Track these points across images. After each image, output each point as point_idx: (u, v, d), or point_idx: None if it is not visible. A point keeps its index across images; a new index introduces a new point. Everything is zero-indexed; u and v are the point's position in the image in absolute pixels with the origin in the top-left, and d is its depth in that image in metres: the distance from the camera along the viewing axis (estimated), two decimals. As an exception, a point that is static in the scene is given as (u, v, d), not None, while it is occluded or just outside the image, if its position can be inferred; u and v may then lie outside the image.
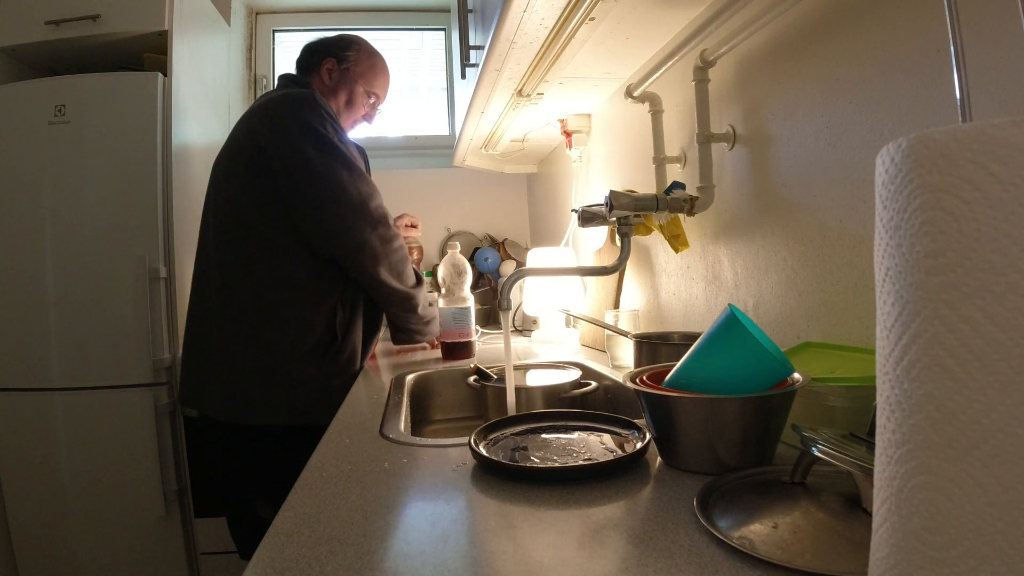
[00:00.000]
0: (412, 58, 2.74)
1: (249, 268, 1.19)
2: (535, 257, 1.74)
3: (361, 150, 1.33)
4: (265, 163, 1.17)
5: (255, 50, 2.55)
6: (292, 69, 1.42)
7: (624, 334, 1.11)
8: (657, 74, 1.10)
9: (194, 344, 1.26)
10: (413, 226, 1.61)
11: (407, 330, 1.36)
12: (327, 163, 1.16)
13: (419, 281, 1.32)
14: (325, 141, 1.16)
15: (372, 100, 1.43)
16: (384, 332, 1.43)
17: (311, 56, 1.38)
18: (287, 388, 1.16)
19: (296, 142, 1.15)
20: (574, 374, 1.10)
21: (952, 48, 0.53)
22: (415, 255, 2.36)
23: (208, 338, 1.21)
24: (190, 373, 1.26)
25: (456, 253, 1.48)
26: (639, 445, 0.62)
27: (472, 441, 0.65)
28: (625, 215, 1.02)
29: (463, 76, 1.47)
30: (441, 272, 1.47)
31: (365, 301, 1.29)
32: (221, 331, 1.19)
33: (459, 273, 1.45)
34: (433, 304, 1.41)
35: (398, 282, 1.25)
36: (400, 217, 1.58)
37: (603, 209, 1.03)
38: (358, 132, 1.51)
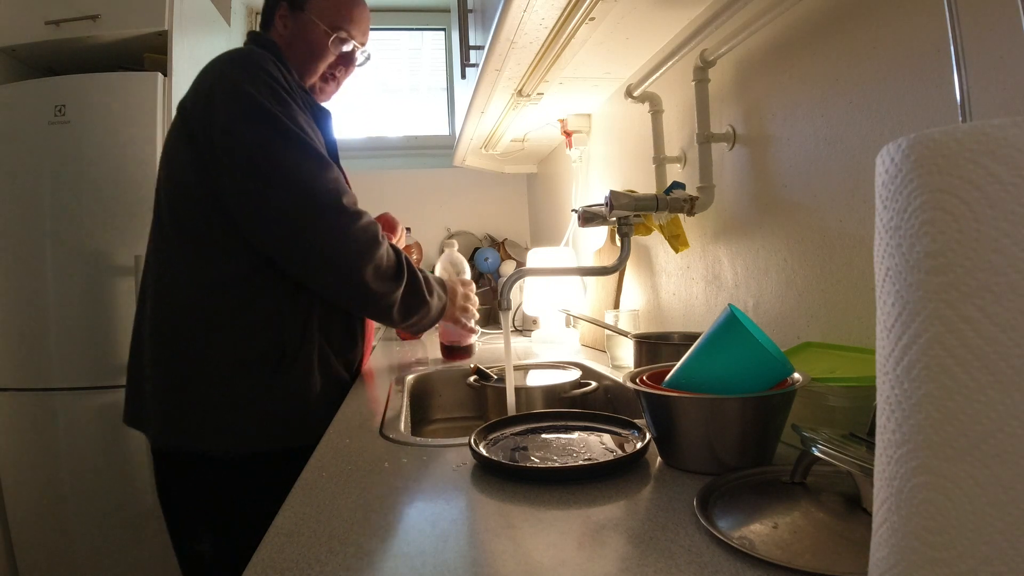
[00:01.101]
0: (412, 58, 2.74)
1: (180, 267, 0.98)
2: (535, 257, 1.74)
3: (324, 113, 1.07)
4: (188, 137, 0.96)
5: (255, 50, 2.55)
6: None
7: (624, 334, 1.11)
8: (657, 74, 1.10)
9: (132, 357, 1.05)
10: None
11: (417, 325, 1.10)
12: (253, 131, 0.90)
13: (400, 263, 1.01)
14: (252, 104, 0.91)
15: (342, 42, 1.12)
16: (384, 332, 1.38)
17: (266, 7, 1.14)
18: (229, 409, 0.94)
19: (217, 109, 0.92)
20: (574, 374, 1.10)
21: (952, 48, 0.53)
22: (414, 255, 2.37)
23: (142, 352, 1.01)
24: (130, 390, 1.05)
25: (454, 252, 1.41)
26: (639, 445, 0.62)
27: (472, 441, 0.65)
28: (625, 215, 1.02)
29: (463, 76, 1.47)
30: (439, 271, 1.37)
31: (326, 304, 1.02)
32: (153, 343, 0.98)
33: (458, 272, 1.38)
34: (416, 273, 1.07)
35: (378, 282, 0.96)
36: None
37: (603, 209, 1.03)
38: (343, 95, 1.28)
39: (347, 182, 1.03)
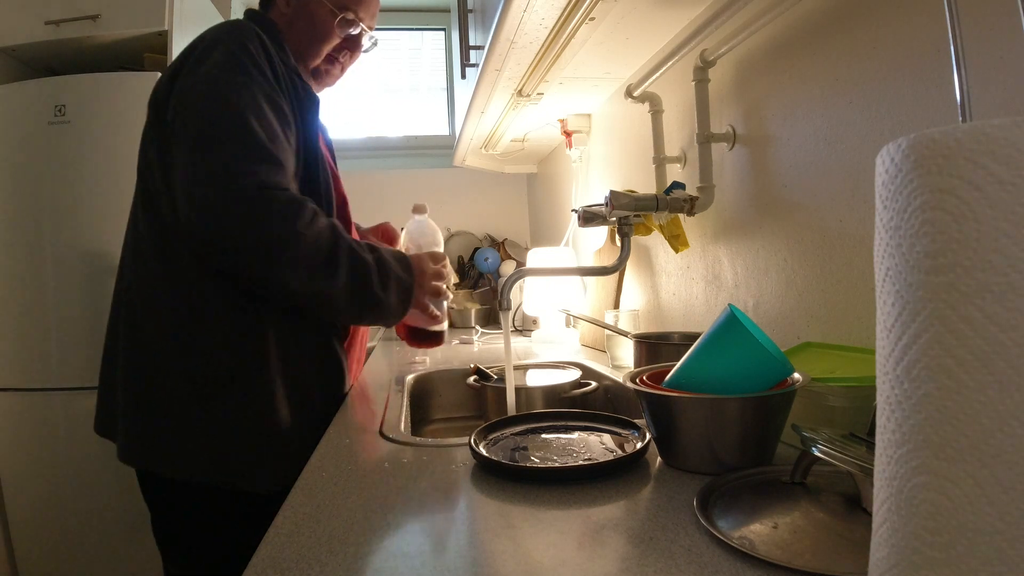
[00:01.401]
0: (412, 58, 2.74)
1: (144, 267, 0.90)
2: (535, 257, 1.74)
3: (311, 101, 0.96)
4: (157, 119, 0.87)
5: (255, 50, 2.55)
6: None
7: (624, 334, 1.11)
8: (657, 74, 1.10)
9: (105, 363, 0.95)
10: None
11: (378, 323, 0.94)
12: (201, 103, 0.81)
13: (334, 252, 0.84)
14: (210, 77, 0.82)
15: (348, 24, 1.03)
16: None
17: None
18: (184, 432, 0.85)
19: (178, 82, 0.84)
20: (574, 374, 1.10)
21: (952, 48, 0.53)
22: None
23: (116, 358, 0.92)
24: (102, 397, 0.96)
25: (425, 221, 1.11)
26: (639, 445, 0.62)
27: (472, 441, 0.65)
28: (625, 215, 1.02)
29: (463, 76, 1.47)
30: (404, 241, 1.12)
31: (292, 320, 0.89)
32: (126, 350, 0.89)
33: (424, 234, 1.09)
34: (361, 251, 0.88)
35: (301, 276, 0.81)
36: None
37: (603, 209, 1.03)
38: (345, 86, 1.20)
39: (335, 179, 0.99)
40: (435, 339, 1.07)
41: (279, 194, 0.80)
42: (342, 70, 1.09)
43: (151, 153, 0.89)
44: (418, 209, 1.12)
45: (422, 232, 1.10)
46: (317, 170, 0.93)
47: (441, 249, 1.08)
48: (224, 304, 0.86)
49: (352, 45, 1.06)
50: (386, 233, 1.23)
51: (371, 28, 1.08)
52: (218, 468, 0.84)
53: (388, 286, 0.89)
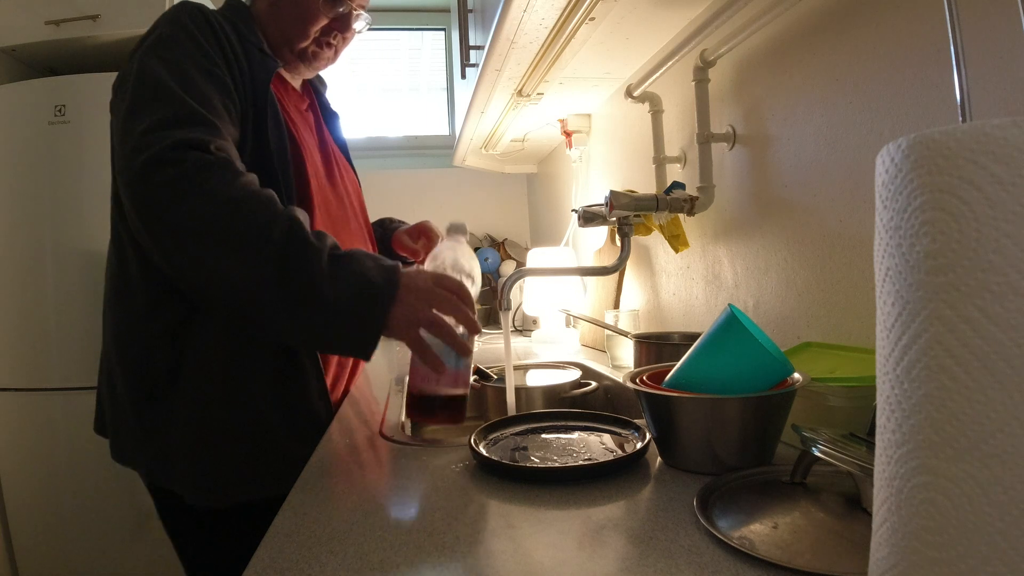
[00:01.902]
0: (412, 58, 2.74)
1: (113, 261, 0.86)
2: (535, 257, 1.74)
3: (269, 68, 0.87)
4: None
5: (255, 50, 2.54)
6: None
7: (624, 334, 1.11)
8: (657, 74, 1.10)
9: (103, 361, 0.91)
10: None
11: (313, 341, 0.74)
12: (135, 68, 0.76)
13: (272, 203, 0.69)
14: (147, 48, 0.78)
15: (335, 2, 0.95)
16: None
17: None
18: (138, 431, 0.81)
19: (122, 71, 0.80)
20: (574, 374, 1.10)
21: (952, 48, 0.53)
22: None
23: (110, 355, 0.88)
24: (101, 394, 0.92)
25: (458, 248, 0.80)
26: (639, 445, 0.62)
27: (472, 441, 0.65)
28: (625, 215, 1.02)
29: (463, 76, 1.47)
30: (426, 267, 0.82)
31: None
32: (104, 346, 0.89)
33: (450, 264, 0.77)
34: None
35: (198, 247, 0.66)
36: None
37: (603, 209, 1.03)
38: (341, 68, 1.13)
39: (335, 171, 0.97)
40: (449, 410, 0.71)
41: (196, 154, 0.68)
42: (335, 53, 1.01)
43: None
44: (455, 230, 0.82)
45: (454, 261, 0.78)
46: (268, 144, 0.82)
47: (470, 283, 0.76)
48: (160, 288, 0.79)
49: (342, 25, 0.98)
50: (424, 234, 1.05)
51: (363, 7, 1.00)
52: (172, 477, 0.80)
53: (339, 281, 0.65)
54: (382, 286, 0.66)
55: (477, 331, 0.71)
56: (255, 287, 0.64)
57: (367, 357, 0.68)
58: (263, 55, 0.89)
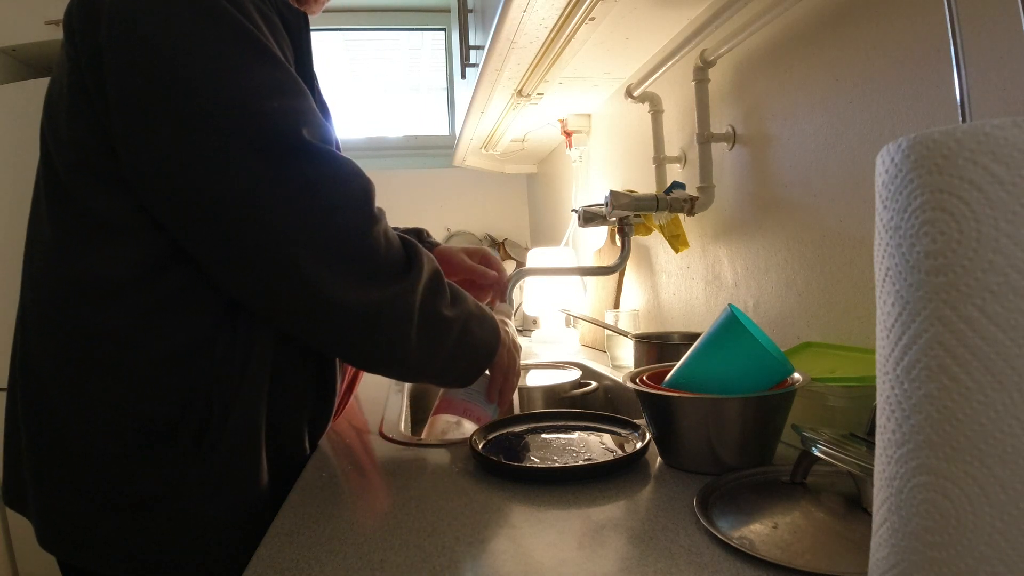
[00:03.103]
0: (412, 58, 2.74)
1: (52, 264, 0.60)
2: (535, 257, 1.74)
3: (298, 19, 0.62)
4: (76, 55, 0.55)
5: (255, 50, 2.54)
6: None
7: (624, 334, 1.11)
8: (657, 74, 1.10)
9: (8, 407, 0.65)
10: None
11: (450, 372, 0.67)
12: (156, 11, 0.51)
13: (410, 259, 0.60)
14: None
15: None
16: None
17: None
18: (116, 511, 0.56)
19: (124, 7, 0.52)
20: (574, 374, 1.10)
21: (952, 48, 0.53)
22: None
23: (16, 398, 0.63)
24: (7, 456, 0.66)
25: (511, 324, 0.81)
26: (639, 445, 0.62)
27: (472, 441, 0.65)
28: (625, 215, 1.02)
29: (463, 76, 1.47)
30: None
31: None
32: (22, 389, 0.61)
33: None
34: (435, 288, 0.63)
35: (355, 282, 0.55)
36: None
37: (603, 209, 1.03)
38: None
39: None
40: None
41: (314, 144, 0.54)
42: (322, 5, 0.78)
43: (56, 118, 0.59)
44: (501, 311, 0.82)
45: (513, 340, 0.78)
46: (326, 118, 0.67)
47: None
48: (199, 307, 0.58)
49: None
50: (485, 259, 0.87)
51: None
52: (173, 563, 0.57)
53: (485, 324, 0.68)
54: (496, 344, 0.70)
55: (512, 393, 0.76)
56: (395, 333, 0.58)
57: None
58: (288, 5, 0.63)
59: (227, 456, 0.57)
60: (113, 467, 0.56)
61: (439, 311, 0.61)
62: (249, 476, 0.59)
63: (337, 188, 0.54)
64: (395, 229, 0.65)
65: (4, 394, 1.73)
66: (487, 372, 0.72)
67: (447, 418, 0.74)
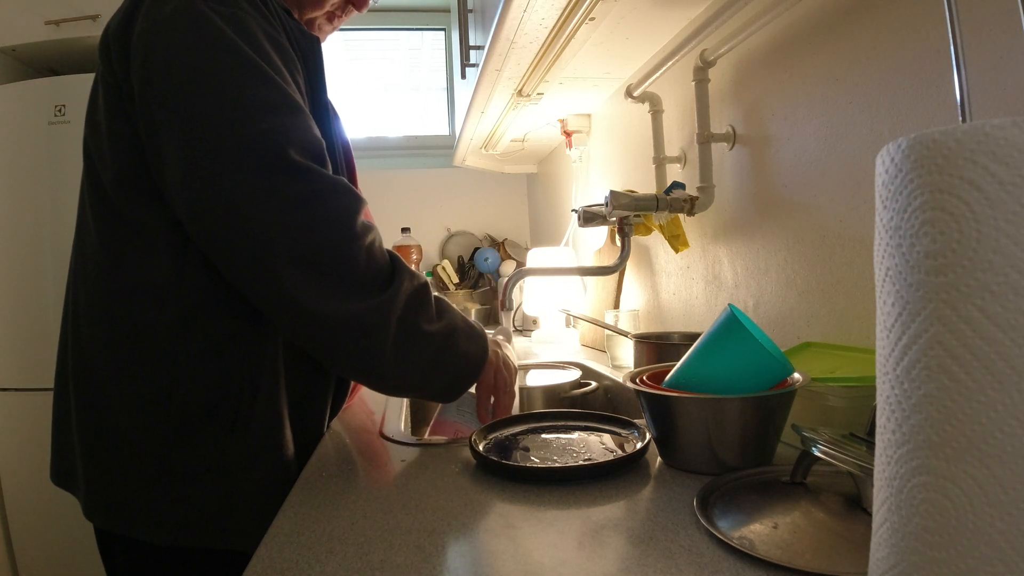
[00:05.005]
0: (412, 58, 2.74)
1: (102, 268, 0.68)
2: (535, 257, 1.74)
3: (312, 39, 0.72)
4: (114, 81, 0.65)
5: (255, 50, 2.54)
6: None
7: (624, 334, 1.11)
8: (657, 74, 1.10)
9: (58, 395, 0.74)
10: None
11: (430, 387, 0.69)
12: (181, 33, 0.59)
13: (393, 274, 0.64)
14: (186, 7, 0.60)
15: None
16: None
17: None
18: (160, 485, 0.64)
19: (150, 29, 0.61)
20: (574, 374, 1.10)
21: (952, 48, 0.53)
22: (414, 256, 2.36)
23: (67, 387, 0.71)
24: (57, 437, 0.75)
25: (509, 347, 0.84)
26: (639, 445, 0.62)
27: (472, 441, 0.65)
28: (625, 215, 1.02)
29: (463, 76, 1.47)
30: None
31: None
32: (75, 377, 0.69)
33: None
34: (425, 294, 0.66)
35: (331, 294, 0.59)
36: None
37: (603, 209, 1.03)
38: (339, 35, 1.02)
39: (353, 173, 0.80)
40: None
41: (302, 164, 0.59)
42: (334, 28, 0.90)
43: (99, 109, 0.68)
44: (502, 332, 0.88)
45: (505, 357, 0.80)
46: (332, 135, 0.72)
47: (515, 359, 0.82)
48: (228, 304, 0.65)
49: (359, 2, 0.87)
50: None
51: None
52: (216, 528, 0.65)
53: (473, 337, 0.70)
54: (485, 355, 0.72)
55: (506, 415, 0.76)
56: (370, 344, 0.61)
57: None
58: (295, 22, 0.72)
59: (258, 434, 0.66)
60: (158, 446, 0.64)
61: (418, 325, 0.64)
62: (278, 451, 0.67)
63: (319, 206, 0.59)
64: None
65: (3, 394, 1.73)
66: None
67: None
